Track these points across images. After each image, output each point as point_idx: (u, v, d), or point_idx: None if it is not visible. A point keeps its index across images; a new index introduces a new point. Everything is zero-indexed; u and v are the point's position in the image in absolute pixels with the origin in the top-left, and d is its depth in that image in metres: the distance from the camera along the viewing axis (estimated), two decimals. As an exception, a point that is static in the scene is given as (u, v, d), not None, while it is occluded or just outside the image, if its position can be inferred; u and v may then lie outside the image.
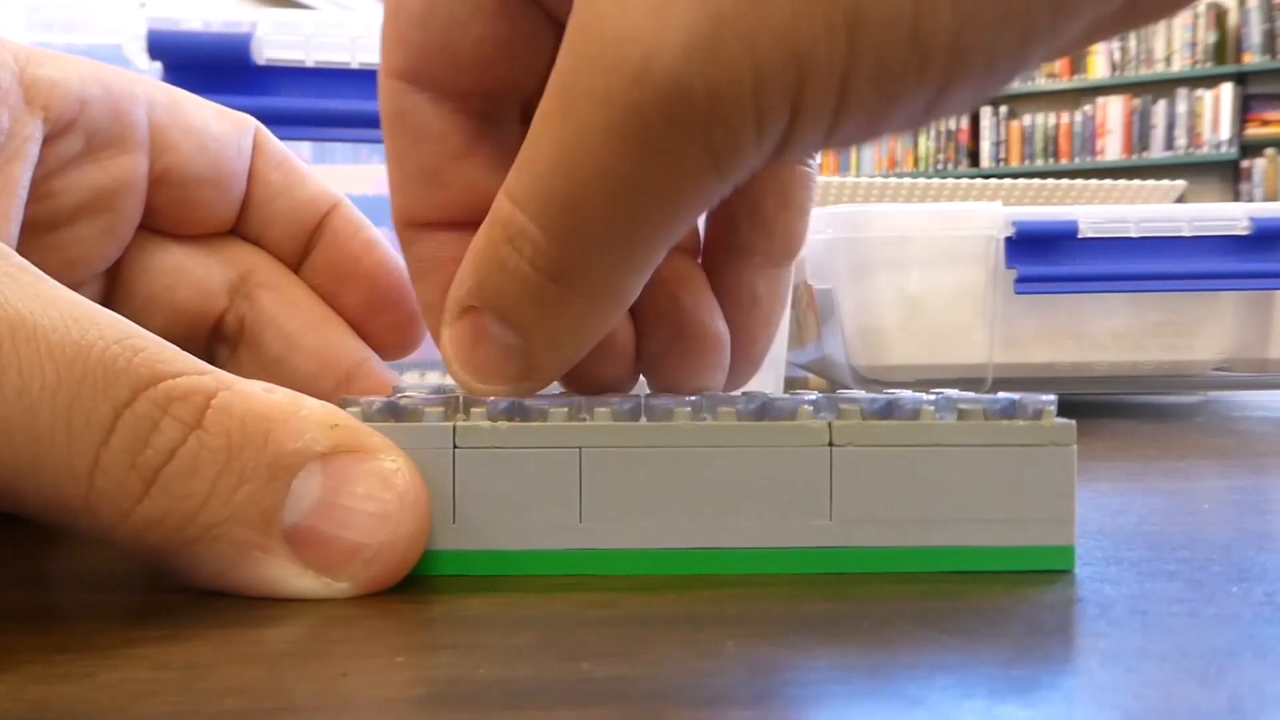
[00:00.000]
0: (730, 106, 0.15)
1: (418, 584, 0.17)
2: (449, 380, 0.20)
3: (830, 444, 0.18)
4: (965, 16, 0.14)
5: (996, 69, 0.15)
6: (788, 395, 0.19)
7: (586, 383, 0.22)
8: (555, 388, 0.21)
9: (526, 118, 0.18)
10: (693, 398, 0.19)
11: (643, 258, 0.18)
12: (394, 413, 0.18)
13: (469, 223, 0.19)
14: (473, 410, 0.18)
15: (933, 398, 0.19)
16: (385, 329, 0.25)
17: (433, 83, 0.19)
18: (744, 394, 0.19)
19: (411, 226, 0.21)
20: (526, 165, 0.17)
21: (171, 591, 0.17)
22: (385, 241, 0.25)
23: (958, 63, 0.15)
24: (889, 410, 0.18)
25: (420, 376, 0.50)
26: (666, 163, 0.16)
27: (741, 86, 0.15)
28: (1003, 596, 0.17)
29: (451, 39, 0.19)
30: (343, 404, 0.18)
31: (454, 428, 0.18)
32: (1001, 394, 0.19)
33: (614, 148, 0.16)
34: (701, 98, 0.15)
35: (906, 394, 0.19)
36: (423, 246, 0.21)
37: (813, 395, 0.19)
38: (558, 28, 0.18)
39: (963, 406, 0.18)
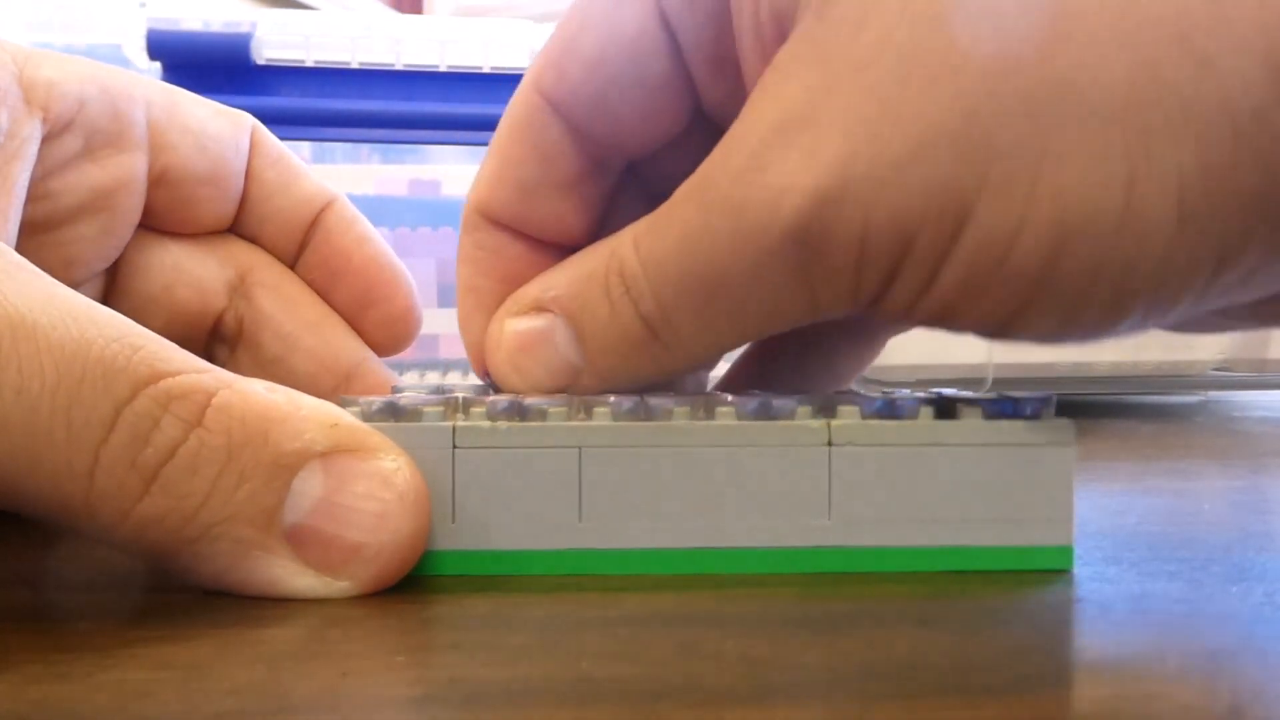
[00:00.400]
0: (838, 257, 0.16)
1: (418, 584, 0.17)
2: (449, 380, 0.20)
3: (829, 444, 0.18)
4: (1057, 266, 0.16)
5: (1081, 321, 0.16)
6: (787, 395, 0.19)
7: None
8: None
9: (631, 173, 0.21)
10: (692, 397, 0.19)
11: (723, 345, 0.19)
12: (393, 412, 0.18)
13: (534, 239, 0.21)
14: (472, 410, 0.18)
15: (931, 397, 0.19)
16: (378, 324, 0.25)
17: (571, 114, 0.20)
18: (743, 394, 0.19)
19: (483, 215, 0.21)
20: (657, 231, 0.18)
21: (171, 591, 0.17)
22: (379, 237, 0.25)
23: (1039, 294, 0.16)
24: (888, 410, 0.18)
25: (420, 376, 0.50)
26: (772, 288, 0.17)
27: (850, 243, 0.16)
28: (1003, 596, 0.17)
29: (606, 90, 0.20)
30: (342, 404, 0.18)
31: (453, 428, 0.18)
32: (1000, 393, 0.19)
33: (732, 257, 0.17)
34: (816, 243, 0.16)
35: (905, 394, 0.19)
36: (484, 236, 0.21)
37: (812, 395, 0.19)
38: (703, 120, 0.20)
39: (961, 406, 0.18)
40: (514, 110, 0.21)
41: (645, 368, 0.19)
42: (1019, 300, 0.16)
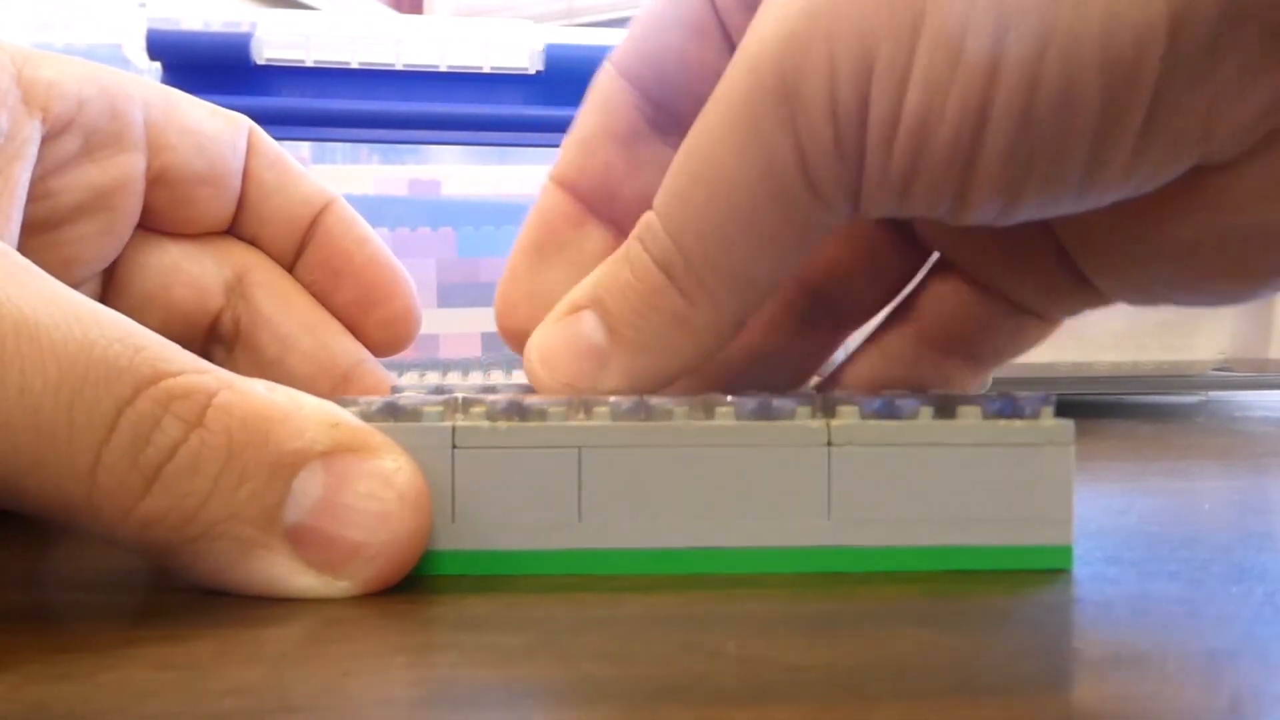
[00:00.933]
0: (811, 94, 0.16)
1: (418, 584, 0.17)
2: (449, 380, 0.20)
3: (829, 444, 0.18)
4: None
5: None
6: (787, 395, 0.19)
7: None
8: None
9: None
10: (691, 397, 0.19)
11: (741, 268, 0.18)
12: (393, 412, 0.18)
13: (590, 199, 0.22)
14: (472, 410, 0.18)
15: (930, 397, 0.19)
16: (379, 324, 0.25)
17: (631, 71, 0.22)
18: (742, 394, 0.19)
19: (551, 179, 0.22)
20: (668, 172, 0.19)
21: (172, 592, 0.17)
22: (378, 238, 0.25)
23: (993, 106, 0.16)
24: (887, 410, 0.18)
25: (420, 376, 0.50)
26: (766, 161, 0.17)
27: (820, 75, 0.16)
28: (1003, 596, 0.17)
29: (652, 40, 0.22)
30: (342, 404, 0.18)
31: (453, 428, 0.18)
32: (999, 393, 0.19)
33: (723, 138, 0.17)
34: (792, 86, 0.16)
35: (905, 394, 0.19)
36: (547, 197, 0.22)
37: (811, 395, 0.19)
38: None
39: (960, 406, 0.18)
40: (591, 87, 0.22)
41: (671, 335, 0.19)
42: (976, 115, 0.16)
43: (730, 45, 0.21)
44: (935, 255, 0.23)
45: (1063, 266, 0.20)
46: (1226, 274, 0.18)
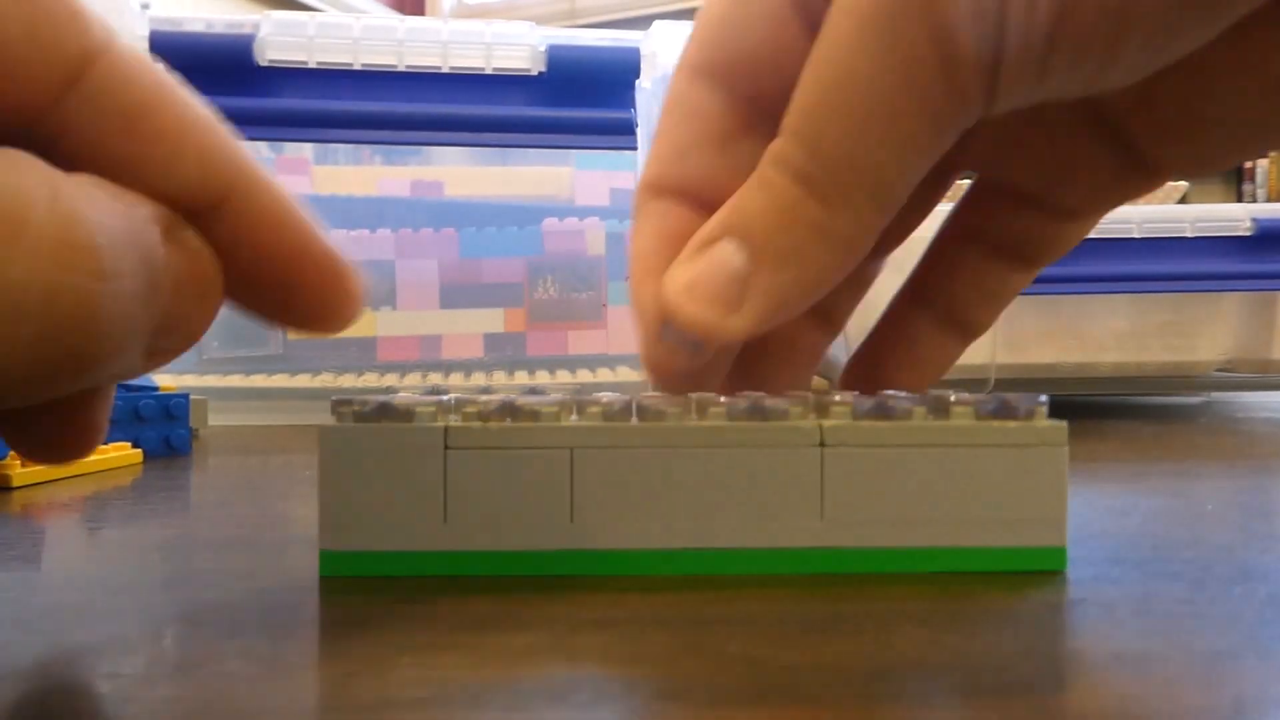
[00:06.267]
0: None
1: (420, 584, 0.17)
2: (451, 381, 0.20)
3: (821, 444, 0.18)
4: None
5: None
6: (780, 395, 0.19)
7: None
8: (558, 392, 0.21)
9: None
10: (684, 398, 0.19)
11: (878, 171, 0.18)
12: (386, 413, 0.18)
13: (698, 203, 0.21)
14: (464, 410, 0.18)
15: (924, 398, 0.19)
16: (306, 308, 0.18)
17: (713, 72, 0.22)
18: (736, 394, 0.19)
19: (649, 192, 0.22)
20: (795, 96, 0.19)
21: (173, 590, 0.17)
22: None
23: None
24: (880, 411, 0.18)
25: (422, 377, 0.50)
26: (899, 60, 0.17)
27: None
28: (1005, 597, 0.17)
29: (739, 34, 0.21)
30: (337, 404, 0.18)
31: (445, 428, 0.18)
32: (993, 394, 0.19)
33: (856, 47, 0.18)
34: None
35: (899, 394, 0.19)
36: (651, 209, 0.22)
37: (804, 395, 0.19)
38: None
39: (954, 407, 0.18)
40: (667, 95, 0.22)
41: (812, 246, 0.19)
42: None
43: (810, 28, 0.21)
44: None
45: (1114, 154, 0.21)
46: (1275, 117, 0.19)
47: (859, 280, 0.24)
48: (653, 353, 0.20)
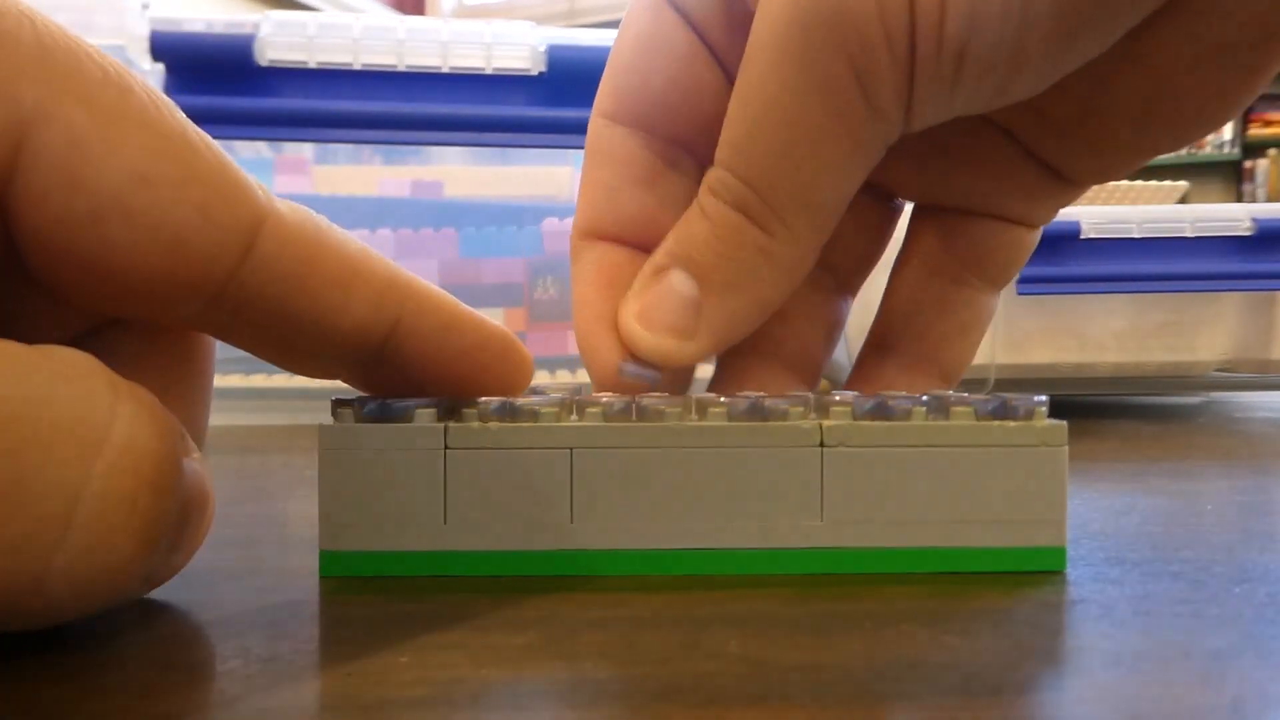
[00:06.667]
0: (861, 20, 0.18)
1: (420, 584, 0.17)
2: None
3: (821, 445, 0.18)
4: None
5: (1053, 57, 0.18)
6: (780, 396, 0.19)
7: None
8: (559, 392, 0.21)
9: (700, 171, 0.21)
10: (684, 398, 0.19)
11: (811, 192, 0.19)
12: (385, 414, 0.18)
13: (633, 242, 0.22)
14: (464, 411, 0.18)
15: (924, 398, 0.19)
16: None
17: (629, 117, 0.23)
18: (735, 394, 0.19)
19: (584, 237, 0.23)
20: (723, 130, 0.20)
21: (172, 592, 0.17)
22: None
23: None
24: (880, 411, 0.18)
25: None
26: (819, 85, 0.18)
27: (869, 4, 0.18)
28: (1005, 597, 0.17)
29: (648, 79, 0.22)
30: (337, 403, 0.18)
31: (445, 428, 0.18)
32: (993, 395, 0.19)
33: (776, 78, 0.18)
34: (840, 19, 0.18)
35: (899, 394, 0.19)
36: (589, 254, 0.23)
37: (804, 395, 0.19)
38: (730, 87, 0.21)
39: (954, 407, 0.18)
40: (587, 143, 0.23)
41: (757, 269, 0.20)
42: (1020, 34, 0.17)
43: (719, 63, 0.22)
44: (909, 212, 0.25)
45: (1032, 167, 0.22)
46: (1166, 118, 0.21)
47: (830, 322, 0.25)
48: (607, 388, 0.21)
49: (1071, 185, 0.23)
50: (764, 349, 0.23)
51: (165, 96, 0.15)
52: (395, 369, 0.17)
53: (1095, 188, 0.77)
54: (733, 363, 0.23)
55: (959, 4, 0.17)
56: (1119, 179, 0.23)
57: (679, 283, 0.20)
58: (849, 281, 0.25)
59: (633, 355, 0.21)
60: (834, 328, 0.25)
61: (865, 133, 0.19)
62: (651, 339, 0.20)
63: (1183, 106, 0.20)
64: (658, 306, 0.20)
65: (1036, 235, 0.24)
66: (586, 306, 0.22)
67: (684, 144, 0.23)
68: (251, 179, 0.15)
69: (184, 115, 0.15)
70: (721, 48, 0.22)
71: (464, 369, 0.18)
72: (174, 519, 0.15)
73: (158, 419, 0.14)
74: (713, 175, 0.20)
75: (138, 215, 0.14)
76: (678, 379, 0.22)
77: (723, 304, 0.20)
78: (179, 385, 0.18)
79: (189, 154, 0.14)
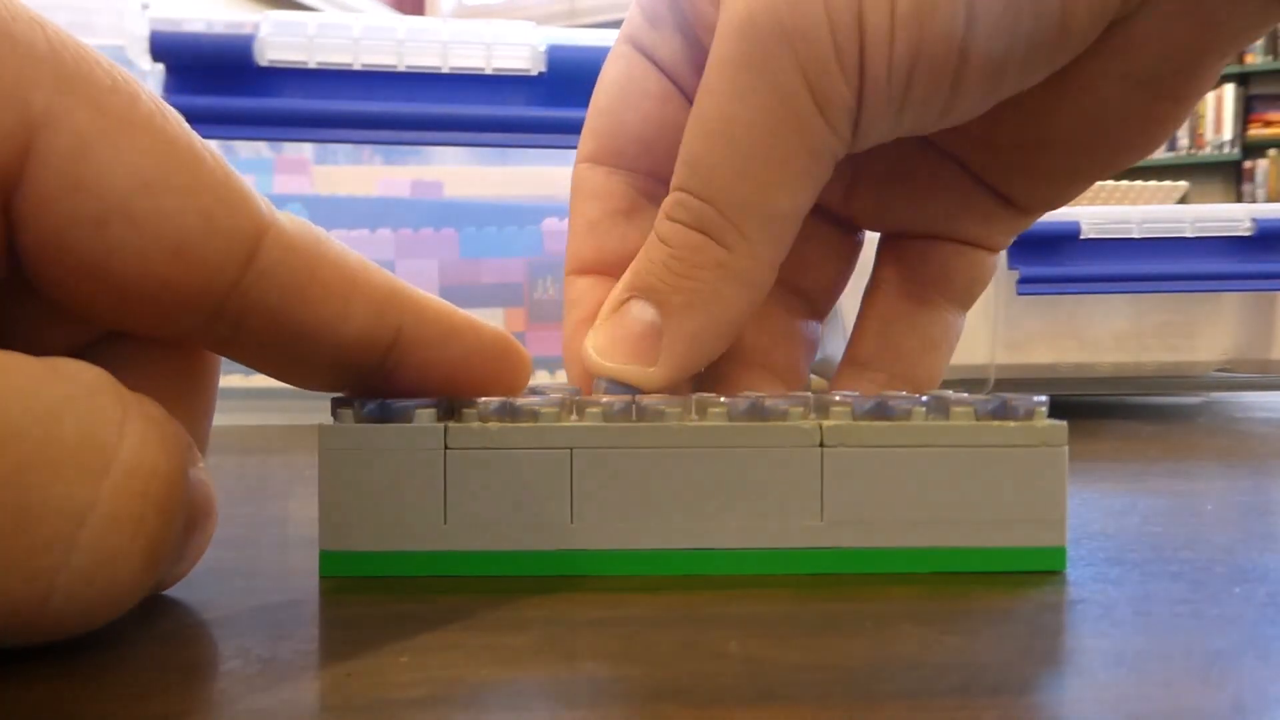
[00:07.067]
0: (814, 36, 0.18)
1: (420, 584, 0.17)
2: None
3: (821, 445, 0.18)
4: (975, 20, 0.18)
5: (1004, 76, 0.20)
6: (779, 396, 0.19)
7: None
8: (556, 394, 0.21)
9: None
10: (684, 398, 0.19)
11: (768, 205, 0.20)
12: (385, 414, 0.18)
13: (617, 272, 0.22)
14: (464, 411, 0.18)
15: (924, 398, 0.19)
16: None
17: (609, 157, 0.24)
18: (735, 394, 0.19)
19: (574, 273, 0.24)
20: (680, 153, 0.20)
21: (172, 592, 0.17)
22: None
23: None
24: (880, 411, 0.18)
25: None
26: (773, 99, 0.19)
27: (819, 20, 0.18)
28: (1005, 597, 0.17)
29: (624, 120, 0.23)
30: (336, 403, 0.18)
31: (445, 428, 0.18)
32: (993, 395, 0.19)
33: (732, 94, 0.19)
34: (794, 34, 0.18)
35: (898, 394, 0.19)
36: (577, 286, 0.23)
37: (804, 395, 0.19)
38: None
39: (954, 407, 0.18)
40: (572, 184, 0.24)
41: (717, 286, 0.20)
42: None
43: (689, 102, 0.23)
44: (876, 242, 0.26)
45: (990, 194, 0.23)
46: (1102, 146, 0.22)
47: (807, 343, 0.26)
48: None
49: (1022, 212, 0.24)
50: (751, 360, 0.24)
51: (171, 107, 0.15)
52: (398, 379, 0.17)
53: (1095, 188, 0.78)
54: (722, 374, 0.24)
55: (908, 26, 0.18)
56: (1064, 204, 0.24)
57: (638, 310, 0.21)
58: (818, 306, 0.26)
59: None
60: (810, 348, 0.26)
61: (818, 143, 0.19)
62: (614, 368, 0.20)
63: (1116, 135, 0.21)
64: (617, 337, 0.21)
65: (996, 258, 0.25)
66: (572, 341, 0.23)
67: (661, 179, 0.23)
68: (254, 190, 0.15)
69: (189, 126, 0.15)
70: (690, 89, 0.23)
71: (465, 374, 0.18)
72: (179, 535, 0.15)
73: (166, 435, 0.14)
74: (669, 201, 0.20)
75: (142, 220, 0.14)
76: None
77: (683, 326, 0.20)
78: (184, 393, 0.18)
79: (194, 162, 0.14)
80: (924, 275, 0.24)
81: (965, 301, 0.25)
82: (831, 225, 0.25)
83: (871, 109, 0.19)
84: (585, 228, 0.24)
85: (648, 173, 0.24)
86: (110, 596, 0.13)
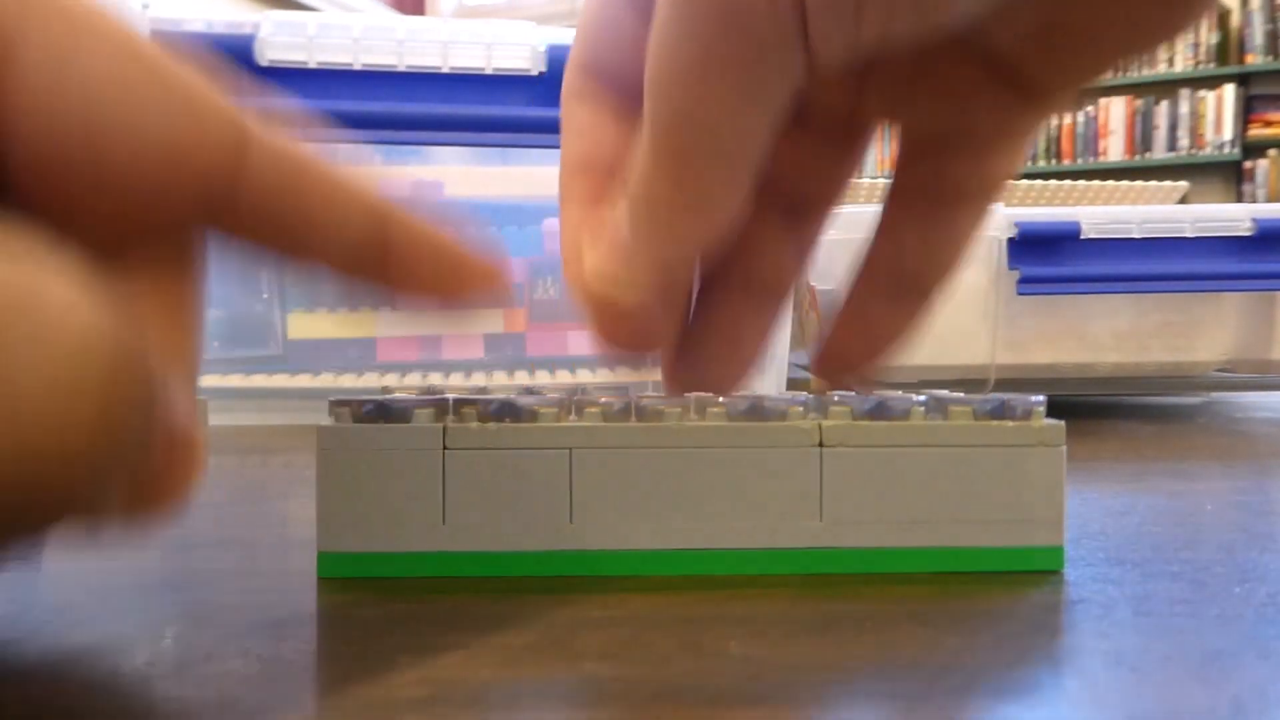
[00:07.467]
0: None
1: (419, 585, 0.17)
2: (451, 382, 0.20)
3: (820, 444, 0.18)
4: None
5: None
6: (779, 395, 0.19)
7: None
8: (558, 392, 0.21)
9: None
10: (683, 398, 0.19)
11: (719, 126, 0.19)
12: (385, 414, 0.18)
13: (629, 82, 0.21)
14: (463, 411, 0.18)
15: (923, 398, 0.19)
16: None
17: (598, 68, 0.22)
18: (735, 394, 0.19)
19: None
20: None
21: (172, 591, 0.17)
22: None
23: None
24: (879, 411, 0.18)
25: (423, 377, 0.50)
26: (727, 10, 0.17)
27: None
28: (1005, 597, 0.17)
29: (606, 34, 0.22)
30: (335, 404, 0.18)
31: (444, 428, 0.18)
32: (992, 395, 0.19)
33: (685, 11, 0.18)
34: None
35: (897, 394, 0.19)
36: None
37: (803, 395, 0.19)
38: None
39: (952, 407, 0.18)
40: (564, 89, 0.23)
41: (667, 212, 0.19)
42: None
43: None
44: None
45: (1007, 84, 0.22)
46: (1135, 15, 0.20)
47: (800, 245, 0.24)
48: (580, 299, 0.20)
49: (1037, 97, 0.22)
50: (733, 280, 0.23)
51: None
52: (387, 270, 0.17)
53: (1095, 188, 0.78)
54: (706, 289, 0.23)
55: None
56: (1086, 84, 0.22)
57: (612, 217, 0.20)
58: (816, 211, 0.25)
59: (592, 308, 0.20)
60: (801, 260, 0.25)
61: (770, 61, 0.18)
62: (598, 288, 0.20)
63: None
64: (594, 241, 0.20)
65: (1013, 163, 0.24)
66: (570, 244, 0.22)
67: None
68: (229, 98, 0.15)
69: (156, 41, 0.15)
70: None
71: (444, 283, 0.18)
72: (129, 426, 0.13)
73: (118, 315, 0.13)
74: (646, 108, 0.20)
75: (130, 123, 0.14)
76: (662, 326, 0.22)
77: (644, 250, 0.20)
78: (171, 316, 0.17)
79: (171, 65, 0.14)
80: (939, 178, 0.23)
81: (977, 203, 0.24)
82: (832, 129, 0.24)
83: (820, 22, 0.18)
84: (583, 130, 0.23)
85: (635, 86, 0.23)
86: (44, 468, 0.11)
